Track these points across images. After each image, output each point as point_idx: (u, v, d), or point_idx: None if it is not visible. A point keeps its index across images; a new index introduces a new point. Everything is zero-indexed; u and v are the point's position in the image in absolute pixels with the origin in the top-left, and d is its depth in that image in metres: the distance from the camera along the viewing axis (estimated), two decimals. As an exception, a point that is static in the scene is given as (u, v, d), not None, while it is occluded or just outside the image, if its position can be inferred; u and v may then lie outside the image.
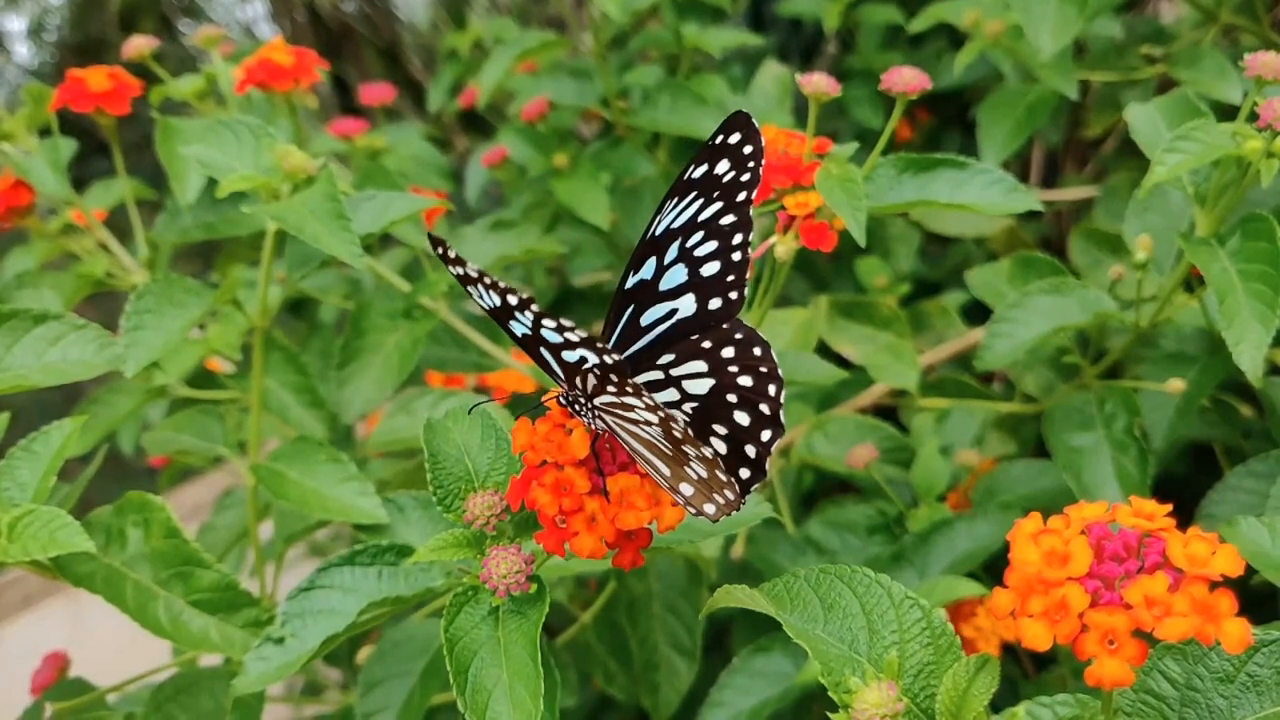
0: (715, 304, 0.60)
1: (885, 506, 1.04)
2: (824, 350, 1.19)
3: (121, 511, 0.75)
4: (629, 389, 0.53)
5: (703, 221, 0.60)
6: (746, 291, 0.60)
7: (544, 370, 0.58)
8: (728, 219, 0.60)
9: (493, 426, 0.64)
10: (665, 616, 0.99)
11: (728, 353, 0.59)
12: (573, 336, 0.53)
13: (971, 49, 1.22)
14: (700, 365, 0.59)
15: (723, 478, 0.54)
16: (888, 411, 1.28)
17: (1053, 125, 1.53)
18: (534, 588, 0.58)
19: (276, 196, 0.79)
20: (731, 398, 0.58)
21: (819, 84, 0.78)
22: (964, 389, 1.14)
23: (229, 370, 1.05)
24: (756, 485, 0.58)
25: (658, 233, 0.61)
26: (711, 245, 0.60)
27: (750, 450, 0.57)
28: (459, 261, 0.53)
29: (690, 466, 0.54)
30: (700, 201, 0.60)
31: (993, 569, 1.02)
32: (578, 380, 0.56)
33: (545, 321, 0.53)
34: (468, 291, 0.55)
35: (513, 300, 0.53)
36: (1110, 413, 0.93)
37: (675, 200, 0.60)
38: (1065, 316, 0.92)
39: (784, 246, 0.79)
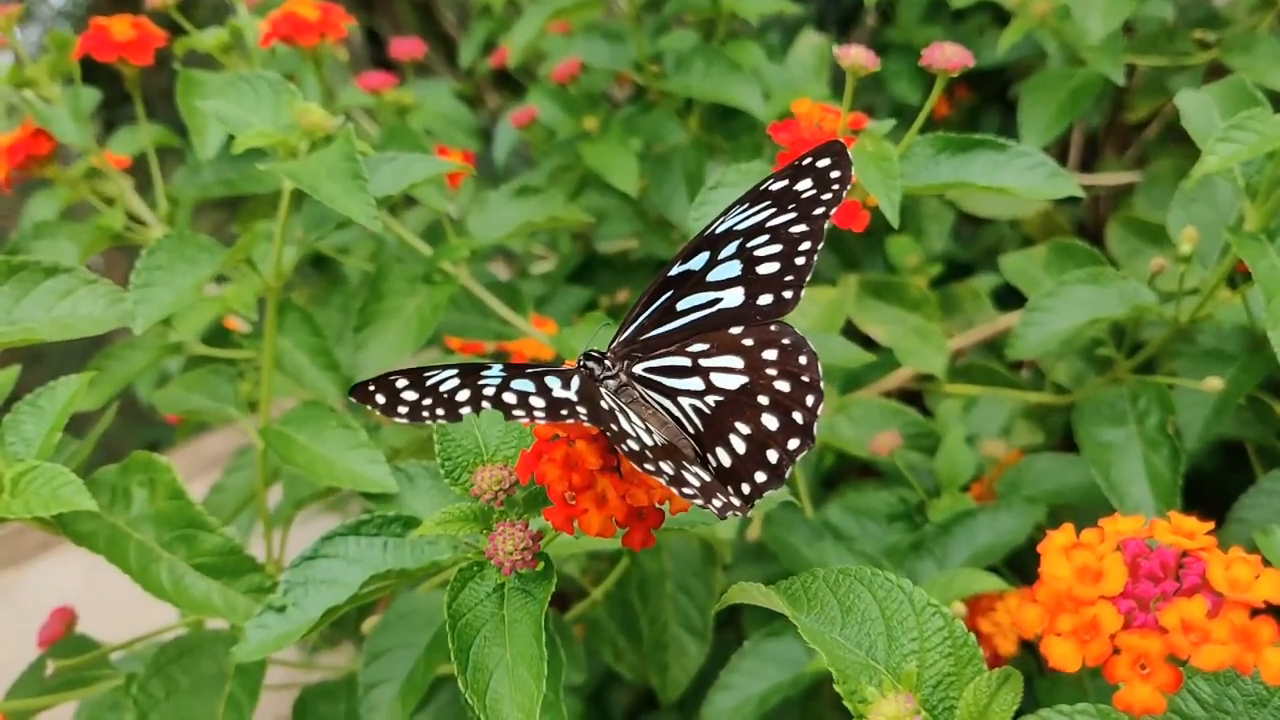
0: (766, 299, 0.58)
1: (906, 494, 1.02)
2: (851, 330, 1.17)
3: (127, 470, 0.74)
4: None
5: (770, 226, 0.59)
6: (803, 294, 0.58)
7: None
8: (799, 228, 0.58)
9: (505, 400, 0.62)
10: (677, 596, 0.97)
11: (769, 354, 0.57)
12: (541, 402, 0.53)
13: (1017, 28, 1.19)
14: (735, 361, 0.57)
15: (773, 457, 0.54)
16: (913, 395, 1.26)
17: (1095, 107, 1.49)
18: (540, 565, 0.56)
19: (294, 154, 0.77)
20: (763, 399, 0.56)
21: (857, 57, 0.75)
22: (992, 376, 1.12)
23: (246, 329, 1.04)
24: (771, 492, 0.56)
25: (718, 231, 0.60)
26: (775, 248, 0.58)
27: (772, 455, 0.55)
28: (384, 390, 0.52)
29: (718, 451, 0.52)
30: (772, 210, 0.59)
31: (1014, 563, 1.00)
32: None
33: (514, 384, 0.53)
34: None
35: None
36: (1143, 409, 0.91)
37: (745, 206, 0.59)
38: (1102, 308, 0.89)
39: (814, 225, 0.76)
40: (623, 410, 0.55)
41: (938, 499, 1.00)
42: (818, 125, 0.79)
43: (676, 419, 0.57)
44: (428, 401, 0.52)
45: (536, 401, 0.52)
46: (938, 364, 1.06)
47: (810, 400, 0.55)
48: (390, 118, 1.34)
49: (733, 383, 0.57)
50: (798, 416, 0.55)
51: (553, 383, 0.54)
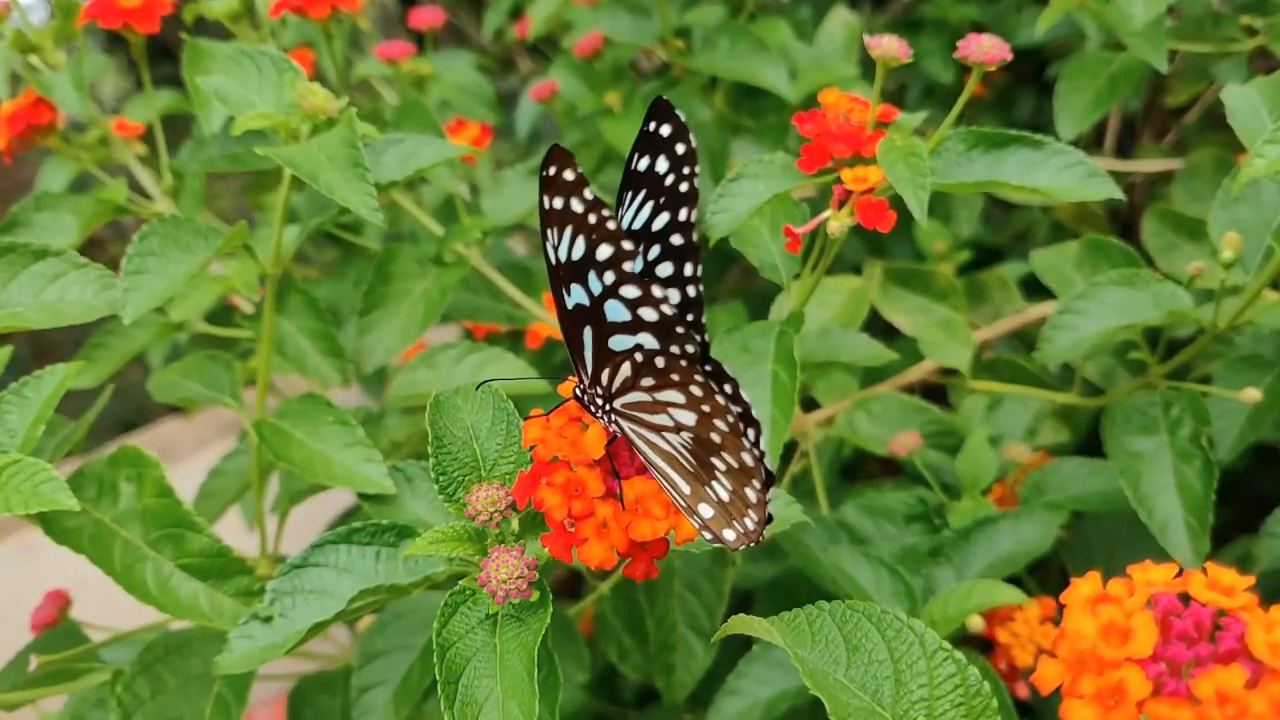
0: (676, 349, 0.52)
1: (925, 494, 0.99)
2: (875, 318, 1.13)
3: (115, 464, 0.71)
4: (674, 378, 0.48)
5: (656, 233, 0.53)
6: (709, 337, 0.53)
7: (570, 353, 0.53)
8: (676, 239, 0.53)
9: (505, 409, 0.59)
10: (685, 595, 0.95)
11: (695, 390, 0.51)
12: (649, 314, 0.48)
13: (1056, 9, 1.13)
14: (678, 395, 0.51)
15: (752, 496, 0.49)
16: (937, 389, 1.22)
17: (1135, 89, 1.44)
18: (536, 595, 0.53)
19: (296, 137, 0.74)
20: (715, 438, 0.51)
21: (889, 47, 0.71)
22: (1018, 373, 1.08)
23: (250, 310, 1.01)
24: (768, 528, 0.52)
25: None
26: (669, 268, 0.54)
27: (750, 494, 0.51)
28: (575, 188, 0.46)
29: (713, 486, 0.49)
30: (651, 205, 0.53)
31: (1036, 570, 0.97)
32: (604, 375, 0.51)
33: (624, 290, 0.48)
34: (544, 234, 0.49)
35: (604, 253, 0.47)
36: (1176, 417, 0.87)
37: (630, 194, 0.53)
38: (1136, 313, 0.85)
39: (837, 223, 0.73)
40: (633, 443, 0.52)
41: (958, 502, 0.96)
42: (844, 117, 0.75)
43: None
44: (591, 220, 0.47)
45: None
46: (963, 359, 1.02)
47: (752, 434, 0.51)
48: (407, 89, 1.30)
49: (689, 418, 0.51)
50: (747, 458, 0.51)
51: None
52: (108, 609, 0.90)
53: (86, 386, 0.96)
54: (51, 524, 0.69)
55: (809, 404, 1.13)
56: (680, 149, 0.52)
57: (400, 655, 0.75)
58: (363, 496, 0.73)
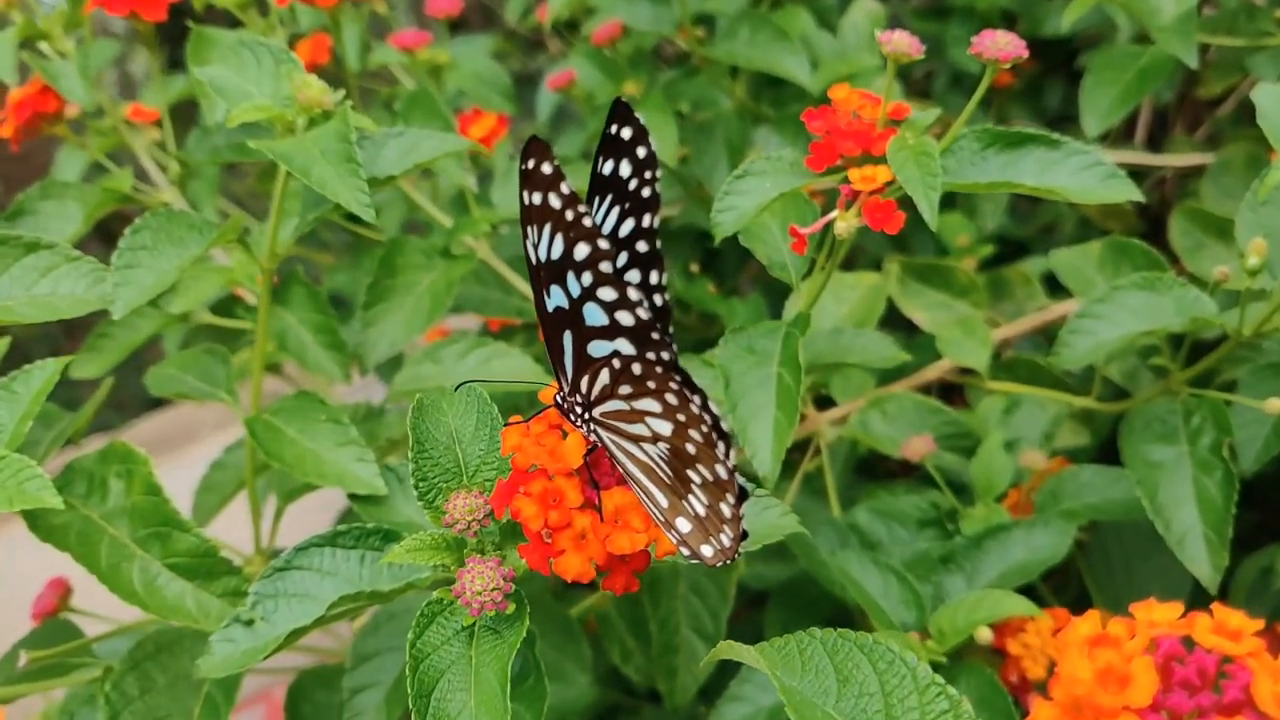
0: (652, 356, 0.51)
1: (939, 498, 0.97)
2: (894, 314, 1.11)
3: (105, 460, 0.70)
4: (650, 385, 0.46)
5: (624, 239, 0.52)
6: (676, 349, 0.51)
7: (551, 358, 0.51)
8: (642, 245, 0.52)
9: (489, 413, 0.57)
10: (689, 597, 0.93)
11: (670, 399, 0.49)
12: (625, 319, 0.46)
13: (1082, 2, 1.10)
14: (654, 404, 0.50)
15: (727, 511, 0.47)
16: (955, 387, 1.20)
17: (1166, 82, 1.40)
18: (512, 607, 0.51)
19: (292, 130, 0.72)
20: (690, 449, 0.49)
21: (899, 43, 0.69)
22: (1037, 374, 1.05)
23: (254, 301, 1.00)
24: (744, 545, 0.50)
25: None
26: (636, 275, 0.52)
27: (725, 510, 0.50)
28: (552, 182, 0.45)
29: (689, 500, 0.47)
30: (617, 211, 0.52)
31: (1053, 577, 0.95)
32: (584, 382, 0.49)
33: (601, 293, 0.46)
34: (524, 231, 0.48)
35: (581, 252, 0.45)
36: (1197, 427, 0.84)
37: (597, 199, 0.52)
38: (1157, 318, 0.82)
39: (844, 224, 0.70)
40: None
41: (972, 508, 0.94)
42: (855, 114, 0.73)
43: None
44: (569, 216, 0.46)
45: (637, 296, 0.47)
46: (980, 359, 1.00)
47: (721, 449, 0.49)
48: (423, 78, 1.29)
49: (665, 428, 0.50)
50: (721, 471, 0.49)
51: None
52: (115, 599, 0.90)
53: (90, 376, 0.95)
54: (37, 521, 0.68)
55: (824, 401, 1.11)
56: (642, 153, 0.51)
57: (393, 657, 0.74)
58: (353, 497, 0.72)
